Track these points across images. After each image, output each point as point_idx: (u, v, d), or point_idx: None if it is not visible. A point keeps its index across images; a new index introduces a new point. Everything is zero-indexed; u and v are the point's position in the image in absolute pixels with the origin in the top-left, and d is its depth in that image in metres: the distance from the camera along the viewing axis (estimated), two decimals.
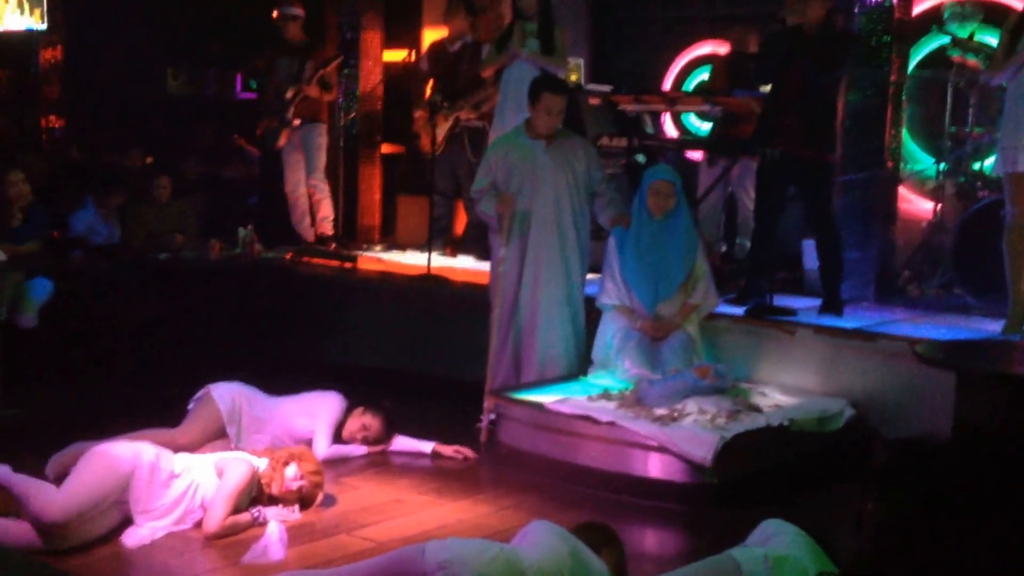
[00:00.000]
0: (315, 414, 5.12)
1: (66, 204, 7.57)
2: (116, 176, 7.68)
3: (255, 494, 4.24)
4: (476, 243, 7.86)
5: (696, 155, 8.17)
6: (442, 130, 7.87)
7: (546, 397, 5.37)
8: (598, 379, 5.68)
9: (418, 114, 8.20)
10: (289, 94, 8.23)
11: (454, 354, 6.63)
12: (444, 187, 8.16)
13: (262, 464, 4.29)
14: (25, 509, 3.83)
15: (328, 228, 8.50)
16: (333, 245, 8.31)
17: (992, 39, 6.59)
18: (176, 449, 4.42)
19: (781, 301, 6.14)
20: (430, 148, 7.92)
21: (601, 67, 9.54)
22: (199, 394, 5.09)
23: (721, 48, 8.75)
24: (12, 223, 6.66)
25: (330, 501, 4.49)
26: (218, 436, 4.97)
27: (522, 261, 5.85)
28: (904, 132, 7.02)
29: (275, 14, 8.39)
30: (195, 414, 5.02)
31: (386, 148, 9.31)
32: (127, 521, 4.03)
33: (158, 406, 5.35)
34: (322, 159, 8.46)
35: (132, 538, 3.96)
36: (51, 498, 3.84)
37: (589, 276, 6.06)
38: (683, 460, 4.78)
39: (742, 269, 6.88)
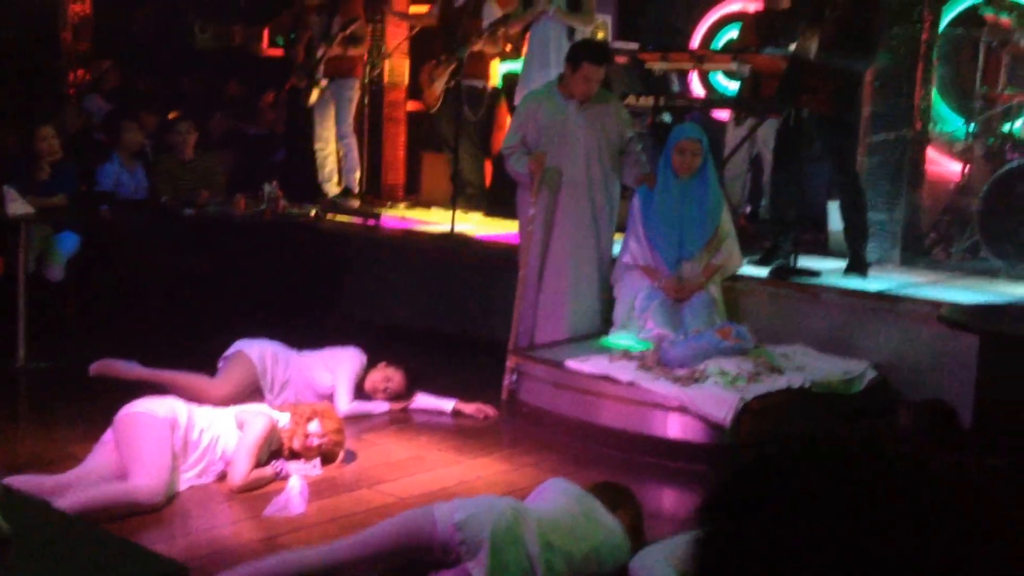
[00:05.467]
0: (336, 369, 5.16)
1: (93, 158, 7.61)
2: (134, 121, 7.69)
3: (275, 448, 4.29)
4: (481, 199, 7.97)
5: (723, 114, 8.09)
6: (440, 84, 7.86)
7: (567, 356, 5.38)
8: (620, 339, 5.68)
9: (423, 69, 8.25)
10: (319, 52, 8.23)
11: (477, 312, 6.66)
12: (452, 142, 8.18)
13: (283, 418, 4.33)
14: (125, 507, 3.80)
15: (354, 183, 8.52)
16: (358, 202, 8.33)
17: None
18: (209, 401, 4.49)
19: (805, 263, 6.10)
20: (430, 103, 7.97)
21: (628, 25, 9.43)
22: (230, 351, 5.14)
23: (751, 5, 8.63)
24: (40, 177, 6.72)
25: (351, 457, 4.54)
26: (251, 392, 5.02)
27: (551, 221, 5.82)
28: (934, 92, 6.92)
29: None
30: (231, 370, 5.06)
31: (411, 105, 9.30)
32: None
33: (183, 360, 5.40)
34: (352, 114, 8.47)
35: None
36: (144, 486, 3.81)
37: (615, 236, 6.04)
38: (703, 421, 4.79)
39: (767, 230, 6.83)
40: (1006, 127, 6.90)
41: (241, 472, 4.09)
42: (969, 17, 7.31)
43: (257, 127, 10.25)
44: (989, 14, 6.90)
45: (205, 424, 4.16)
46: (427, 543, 3.19)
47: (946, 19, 7.23)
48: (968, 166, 7.04)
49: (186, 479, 4.08)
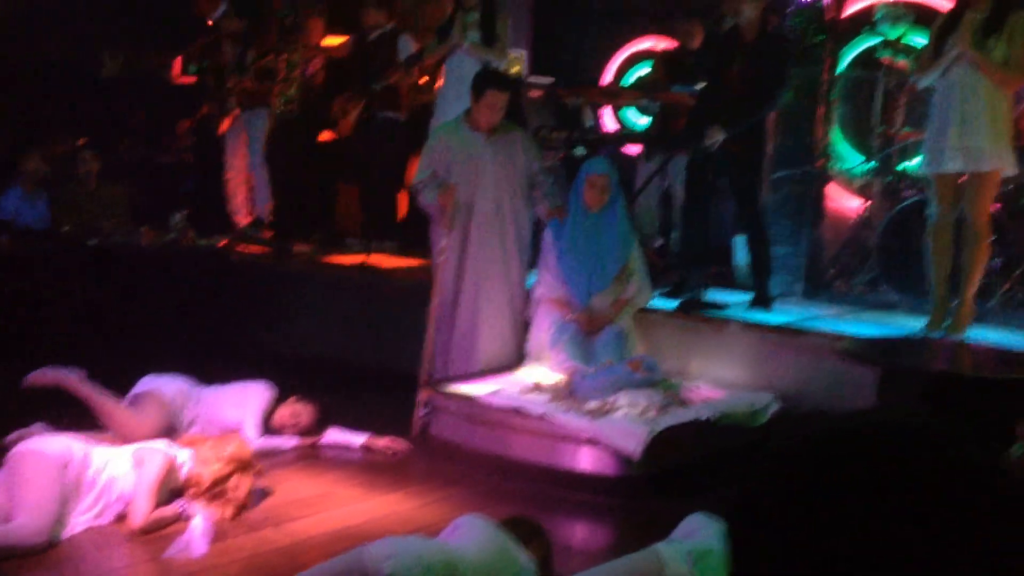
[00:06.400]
0: (244, 404, 5.08)
1: None
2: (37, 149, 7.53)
3: (176, 486, 4.19)
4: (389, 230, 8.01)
5: (635, 149, 8.23)
6: (353, 116, 7.87)
7: (479, 389, 5.38)
8: (532, 371, 5.71)
9: (337, 100, 8.28)
10: (231, 82, 8.18)
11: (390, 345, 6.62)
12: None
13: (182, 455, 4.24)
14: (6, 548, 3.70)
15: (265, 213, 8.44)
16: (269, 233, 8.26)
17: (922, 41, 6.71)
18: (129, 439, 4.38)
19: (714, 296, 6.22)
20: (343, 134, 8.00)
21: (543, 60, 9.55)
22: (140, 388, 5.00)
23: (662, 43, 8.81)
24: None
25: (257, 495, 4.45)
26: (165, 430, 4.90)
27: (462, 253, 5.84)
28: (835, 131, 7.14)
29: (210, 22, 8.42)
30: (148, 409, 4.90)
31: (324, 136, 9.24)
32: None
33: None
34: (263, 144, 8.41)
35: None
36: (24, 527, 3.71)
37: (528, 268, 6.08)
38: (613, 453, 4.82)
39: (677, 263, 6.95)
40: (903, 165, 7.14)
41: (142, 512, 3.98)
42: (867, 59, 7.57)
43: (166, 156, 10.09)
44: (886, 57, 7.16)
45: (101, 463, 4.05)
46: None
47: (845, 61, 7.48)
48: (867, 202, 7.26)
49: (83, 520, 3.96)
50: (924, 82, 5.66)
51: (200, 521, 3.97)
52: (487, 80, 5.82)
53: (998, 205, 5.92)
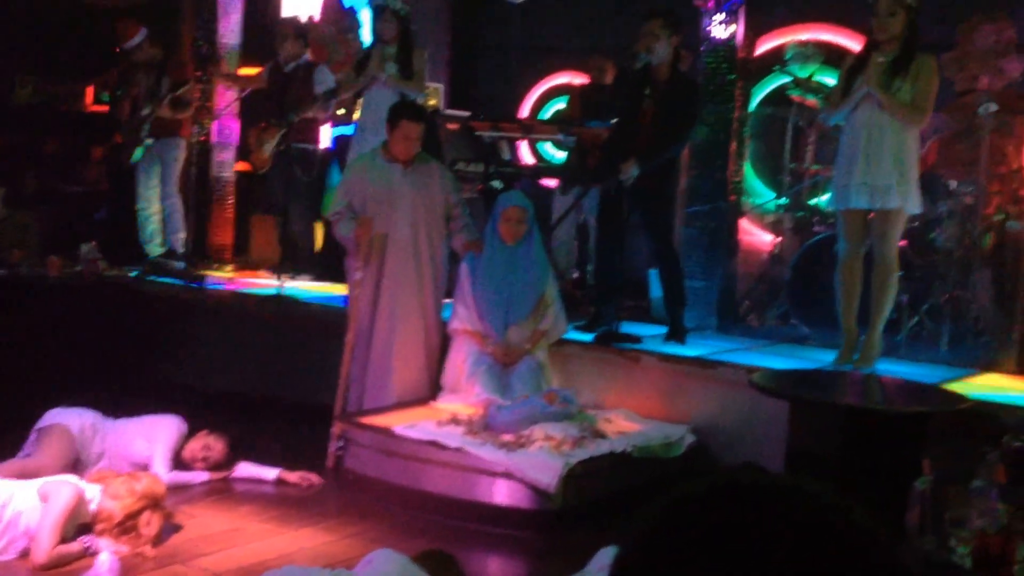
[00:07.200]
0: (153, 438, 4.97)
1: None
2: None
3: (84, 521, 4.06)
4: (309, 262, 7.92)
5: (551, 182, 8.29)
6: (269, 147, 7.82)
7: (394, 422, 5.34)
8: (447, 404, 5.68)
9: (251, 131, 8.22)
10: (144, 112, 8.05)
11: (305, 378, 6.54)
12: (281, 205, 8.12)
13: (91, 489, 4.12)
14: None
15: (178, 244, 8.30)
16: (182, 264, 8.11)
17: (831, 80, 6.90)
18: (36, 477, 4.24)
19: (629, 328, 6.26)
20: (258, 165, 7.94)
21: (460, 93, 9.61)
22: (44, 422, 4.86)
23: (577, 78, 8.92)
24: None
25: (166, 530, 4.35)
26: (71, 464, 4.75)
27: (378, 285, 5.82)
28: (747, 167, 7.29)
29: (117, 49, 8.29)
30: (49, 444, 4.76)
31: (240, 166, 9.15)
32: None
33: None
34: (177, 174, 8.29)
35: None
36: None
37: (444, 300, 6.07)
38: (529, 486, 4.82)
39: (593, 296, 7.00)
40: (813, 200, 7.32)
41: (44, 548, 3.86)
42: (778, 97, 7.78)
43: (78, 185, 9.87)
44: (796, 95, 7.34)
45: (6, 497, 3.93)
46: None
47: (757, 99, 7.67)
48: (779, 237, 7.42)
49: None
50: (833, 120, 5.82)
51: (107, 557, 3.87)
52: (401, 111, 5.86)
53: (905, 241, 6.09)
